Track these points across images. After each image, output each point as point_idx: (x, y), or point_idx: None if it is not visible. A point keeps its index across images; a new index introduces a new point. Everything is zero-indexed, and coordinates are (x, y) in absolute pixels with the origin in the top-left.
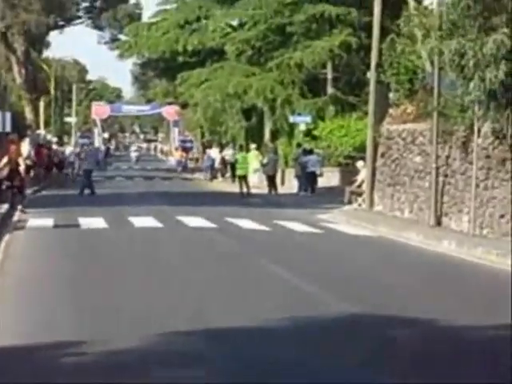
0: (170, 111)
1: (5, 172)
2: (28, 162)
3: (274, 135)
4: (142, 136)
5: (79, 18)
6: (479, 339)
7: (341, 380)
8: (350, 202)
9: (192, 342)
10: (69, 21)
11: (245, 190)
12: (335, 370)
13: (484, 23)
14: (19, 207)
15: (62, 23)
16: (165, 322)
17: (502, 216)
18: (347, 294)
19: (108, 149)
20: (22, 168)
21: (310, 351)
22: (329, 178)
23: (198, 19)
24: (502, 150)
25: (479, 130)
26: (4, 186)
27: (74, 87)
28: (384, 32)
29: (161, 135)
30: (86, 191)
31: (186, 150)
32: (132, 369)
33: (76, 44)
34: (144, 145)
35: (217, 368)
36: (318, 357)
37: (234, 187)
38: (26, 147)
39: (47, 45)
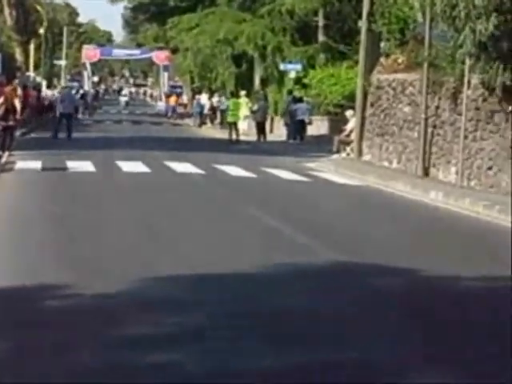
0: (160, 56)
1: (0, 112)
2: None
3: (264, 82)
4: (131, 80)
5: None
6: (459, 289)
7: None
8: (338, 151)
9: (176, 287)
10: None
11: (234, 136)
12: (314, 312)
13: None
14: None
15: None
16: (149, 267)
17: (489, 168)
18: (332, 242)
19: (97, 92)
20: (18, 109)
21: (291, 296)
22: (318, 127)
23: None
24: (491, 102)
25: (469, 82)
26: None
27: (65, 30)
28: None
29: (150, 80)
30: (62, 135)
31: (174, 95)
32: (116, 313)
33: None
34: (133, 89)
35: (203, 312)
36: (299, 301)
37: (222, 134)
38: (20, 91)
39: None
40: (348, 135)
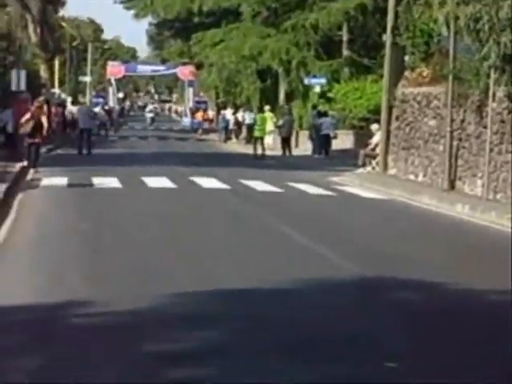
0: (184, 71)
1: (28, 128)
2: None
3: (289, 97)
4: (156, 96)
5: None
6: (489, 303)
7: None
8: (363, 165)
9: (202, 302)
10: None
11: (259, 151)
12: (341, 324)
13: None
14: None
15: None
16: (174, 282)
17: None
18: (357, 256)
19: (123, 108)
20: (45, 126)
21: (318, 310)
22: (343, 141)
23: None
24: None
25: (494, 95)
26: (26, 143)
27: (89, 46)
28: None
29: (175, 96)
30: (86, 151)
31: (200, 110)
32: (138, 329)
33: (91, 3)
34: (158, 105)
35: (228, 327)
36: (328, 315)
37: (247, 149)
38: (41, 107)
39: (63, 3)
40: (373, 149)
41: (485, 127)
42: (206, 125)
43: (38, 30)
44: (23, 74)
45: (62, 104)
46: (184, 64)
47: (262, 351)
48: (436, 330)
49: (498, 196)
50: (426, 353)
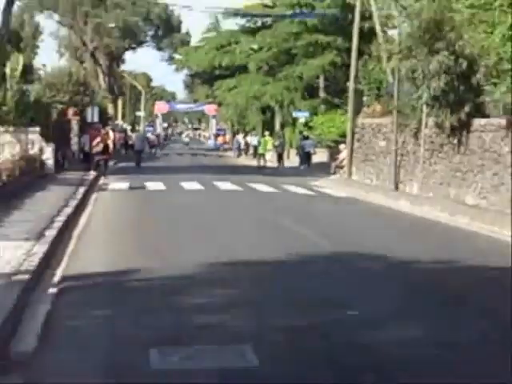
0: (209, 108)
1: (99, 148)
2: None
3: (282, 125)
4: (190, 125)
5: (147, 42)
6: (421, 267)
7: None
8: (334, 173)
9: (211, 269)
10: (139, 44)
11: (262, 163)
12: (324, 286)
13: (430, 48)
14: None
15: (134, 46)
16: (203, 254)
17: (440, 183)
18: (328, 235)
19: (166, 135)
20: (111, 147)
21: (300, 272)
22: (320, 156)
23: (229, 44)
24: (441, 138)
25: (426, 123)
26: (96, 159)
27: (143, 91)
28: (360, 54)
29: (203, 125)
30: (143, 164)
31: (220, 135)
32: (175, 284)
33: (144, 60)
34: (191, 132)
35: (242, 288)
36: (307, 275)
37: (253, 162)
38: (110, 134)
39: (123, 61)
40: (341, 162)
41: (419, 146)
42: (225, 145)
43: (106, 80)
44: (96, 110)
45: (124, 131)
46: (209, 103)
47: (261, 302)
48: (384, 287)
49: (430, 194)
50: (378, 302)
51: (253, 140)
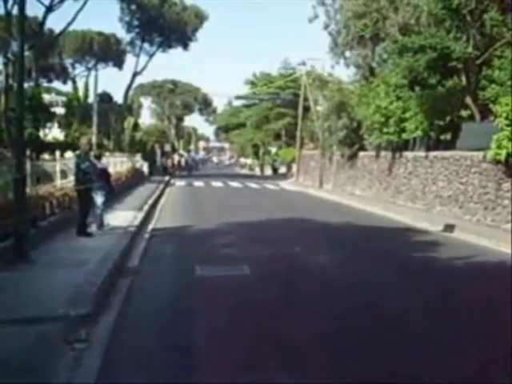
0: (226, 145)
1: (170, 164)
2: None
3: (263, 154)
4: (216, 153)
5: (194, 111)
6: (335, 226)
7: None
8: (289, 179)
9: (226, 226)
10: (191, 112)
11: (252, 172)
12: (281, 230)
13: (338, 115)
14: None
15: (188, 113)
16: (224, 217)
17: (342, 184)
18: (287, 208)
19: (204, 159)
20: (176, 163)
21: (273, 227)
22: (282, 170)
23: (237, 113)
24: (343, 161)
25: (334, 153)
26: (170, 170)
27: (193, 136)
28: (302, 118)
29: (222, 153)
30: (192, 172)
31: (231, 158)
32: (208, 234)
33: (193, 120)
34: (217, 157)
35: (244, 235)
36: (276, 229)
37: (248, 172)
38: (176, 157)
39: (183, 120)
40: (292, 173)
41: (331, 165)
42: (234, 164)
43: (174, 131)
44: (169, 145)
45: (182, 155)
46: (226, 142)
47: (250, 242)
48: (312, 236)
49: (338, 190)
50: (309, 244)
51: (248, 160)
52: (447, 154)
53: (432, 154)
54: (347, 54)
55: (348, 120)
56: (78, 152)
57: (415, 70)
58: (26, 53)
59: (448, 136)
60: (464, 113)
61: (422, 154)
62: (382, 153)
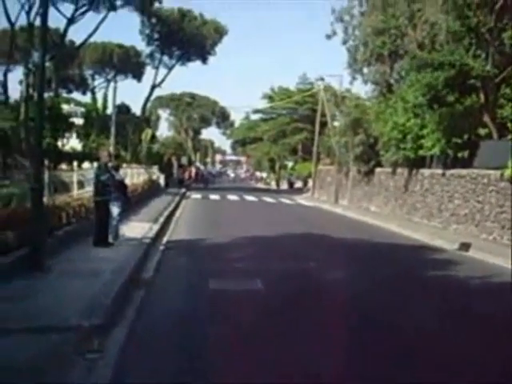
0: (243, 159)
1: (187, 176)
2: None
3: (279, 168)
4: (232, 167)
5: (212, 125)
6: (351, 242)
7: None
8: (305, 193)
9: (241, 239)
10: (208, 125)
11: (268, 187)
12: (296, 247)
13: (354, 131)
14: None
15: (206, 127)
16: (239, 231)
17: (358, 200)
18: (302, 223)
19: (221, 172)
20: (193, 176)
21: (290, 242)
22: (298, 184)
23: (254, 127)
24: (359, 177)
25: (350, 169)
26: (186, 182)
27: (210, 149)
28: (319, 133)
29: (239, 167)
30: (208, 185)
31: (247, 172)
32: (223, 247)
33: (210, 134)
34: (233, 171)
35: (258, 249)
36: (291, 244)
37: (264, 186)
38: (192, 169)
39: (200, 133)
40: (308, 188)
41: (348, 181)
42: (250, 177)
43: (191, 143)
44: (185, 158)
45: (199, 168)
46: (243, 156)
47: (265, 257)
48: (327, 251)
49: (353, 206)
50: (325, 259)
51: (263, 174)
52: (464, 171)
53: (449, 171)
54: (365, 70)
55: (365, 136)
56: (98, 163)
57: (434, 88)
58: (47, 63)
59: (465, 154)
60: (482, 131)
61: (439, 171)
62: (399, 169)
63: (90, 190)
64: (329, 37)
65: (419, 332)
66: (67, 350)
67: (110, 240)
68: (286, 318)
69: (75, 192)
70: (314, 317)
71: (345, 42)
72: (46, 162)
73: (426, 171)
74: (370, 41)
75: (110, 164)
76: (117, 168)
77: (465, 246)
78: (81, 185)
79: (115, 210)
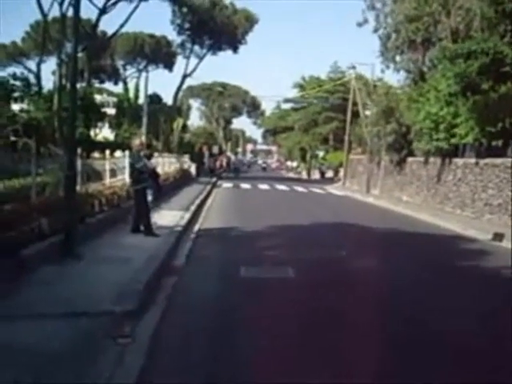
0: (273, 148)
1: (218, 165)
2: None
3: (310, 157)
4: (263, 156)
5: (243, 114)
6: (380, 231)
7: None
8: (336, 182)
9: (272, 228)
10: (239, 115)
11: (299, 176)
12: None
13: (386, 120)
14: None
15: (237, 115)
16: (270, 220)
17: (390, 190)
18: (333, 213)
19: (251, 161)
20: (224, 165)
21: (316, 230)
22: (329, 174)
23: (285, 116)
24: (391, 166)
25: (382, 158)
26: (217, 171)
27: (241, 138)
28: (351, 123)
29: (269, 156)
30: (239, 175)
31: (279, 162)
32: (254, 236)
33: (241, 123)
34: (263, 160)
35: (289, 237)
36: (319, 232)
37: (294, 175)
38: (223, 159)
39: (231, 123)
40: (339, 177)
41: (379, 170)
42: (281, 167)
43: (222, 132)
44: (217, 147)
45: (230, 157)
46: (274, 145)
47: (295, 245)
48: (358, 239)
49: (384, 195)
50: (356, 247)
51: (294, 164)
52: (498, 161)
53: (483, 161)
54: (397, 58)
55: (397, 125)
56: (131, 152)
57: (467, 76)
58: (79, 54)
59: (499, 143)
60: None
61: (473, 160)
62: (431, 159)
63: (121, 178)
64: (360, 25)
65: (444, 323)
66: (99, 334)
67: (141, 227)
68: (315, 306)
69: (107, 180)
70: (344, 306)
71: (376, 30)
72: (79, 151)
73: (459, 160)
74: (403, 28)
75: (142, 153)
76: (149, 157)
77: (498, 236)
78: (113, 173)
79: (147, 197)
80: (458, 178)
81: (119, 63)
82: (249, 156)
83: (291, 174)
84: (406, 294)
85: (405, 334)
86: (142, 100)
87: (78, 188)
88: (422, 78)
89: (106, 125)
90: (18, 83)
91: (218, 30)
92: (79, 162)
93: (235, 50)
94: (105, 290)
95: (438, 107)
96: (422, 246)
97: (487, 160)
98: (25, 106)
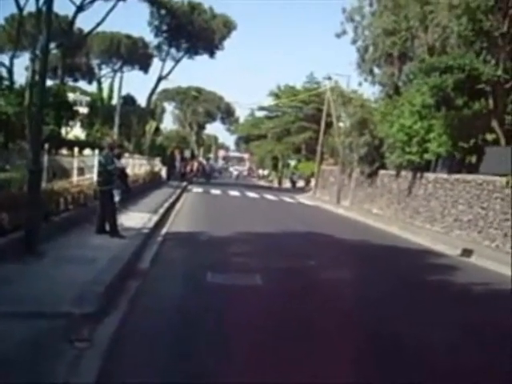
0: (245, 156)
1: (189, 170)
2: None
3: (282, 166)
4: (235, 164)
5: (216, 120)
6: (349, 242)
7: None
8: (306, 193)
9: (241, 235)
10: (213, 120)
11: (270, 184)
12: (292, 243)
13: (360, 132)
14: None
15: (210, 121)
16: (238, 226)
17: (360, 202)
18: (303, 222)
19: (223, 167)
20: (194, 169)
21: (286, 240)
22: (300, 183)
23: (258, 123)
24: (362, 179)
25: (354, 170)
26: (188, 176)
27: (213, 145)
28: (324, 133)
29: (242, 163)
30: (210, 180)
31: (250, 169)
32: (223, 241)
33: (214, 129)
34: (235, 167)
35: (258, 245)
36: (287, 241)
37: (265, 183)
38: (195, 164)
39: (204, 128)
40: (310, 187)
41: (350, 181)
42: (252, 174)
43: (195, 137)
44: (188, 152)
45: (202, 162)
46: (246, 153)
47: (263, 253)
48: (325, 249)
49: (355, 207)
50: (323, 257)
51: (266, 172)
52: (470, 177)
53: (454, 176)
54: (375, 70)
55: (370, 137)
56: (104, 152)
57: (442, 90)
58: (54, 51)
59: (473, 159)
60: (489, 136)
61: (444, 175)
62: (403, 172)
63: (90, 177)
64: (338, 36)
65: (413, 338)
66: (55, 337)
67: (107, 228)
68: (282, 314)
69: (75, 178)
70: (310, 315)
71: (354, 42)
72: (47, 146)
73: (430, 175)
74: (380, 41)
75: (113, 152)
76: (119, 156)
77: (467, 252)
78: (81, 171)
79: (115, 198)
80: (428, 192)
81: (94, 62)
82: (221, 162)
83: (262, 182)
84: (374, 306)
85: (371, 345)
86: (115, 100)
87: (43, 184)
88: (397, 91)
89: (78, 124)
90: None
91: (196, 34)
92: (46, 158)
93: (212, 54)
94: (65, 290)
95: (412, 121)
96: (390, 258)
97: (458, 176)
98: None
